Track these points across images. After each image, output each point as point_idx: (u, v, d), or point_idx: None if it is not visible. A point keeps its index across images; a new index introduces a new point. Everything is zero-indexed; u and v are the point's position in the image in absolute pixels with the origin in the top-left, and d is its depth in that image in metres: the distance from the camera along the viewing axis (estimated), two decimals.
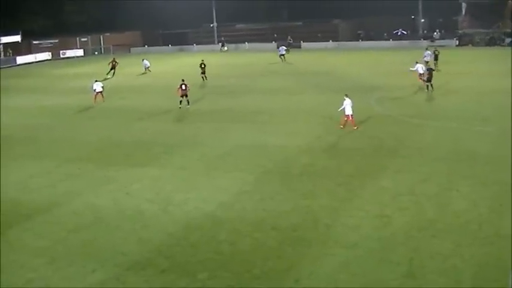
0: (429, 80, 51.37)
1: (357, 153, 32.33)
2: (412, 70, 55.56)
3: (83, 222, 23.53)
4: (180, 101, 48.36)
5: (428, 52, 69.83)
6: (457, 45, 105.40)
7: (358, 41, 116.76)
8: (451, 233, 20.85)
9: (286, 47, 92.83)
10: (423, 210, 23.29)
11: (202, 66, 66.18)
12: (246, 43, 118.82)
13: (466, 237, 20.49)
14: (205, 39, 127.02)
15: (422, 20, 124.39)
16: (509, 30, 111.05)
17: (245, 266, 18.91)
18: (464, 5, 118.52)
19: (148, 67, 77.61)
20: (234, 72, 75.19)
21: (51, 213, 24.72)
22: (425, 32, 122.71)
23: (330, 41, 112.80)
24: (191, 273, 18.60)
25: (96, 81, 54.25)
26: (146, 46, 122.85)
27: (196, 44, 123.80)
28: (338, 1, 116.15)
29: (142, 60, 78.71)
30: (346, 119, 38.14)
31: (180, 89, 48.53)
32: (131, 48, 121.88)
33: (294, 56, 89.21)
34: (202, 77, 65.02)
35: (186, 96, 48.57)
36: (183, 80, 48.71)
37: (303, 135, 36.99)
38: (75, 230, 22.75)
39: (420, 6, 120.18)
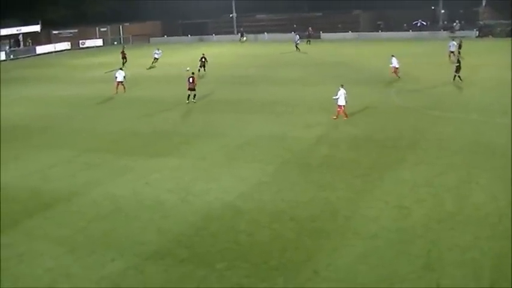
0: (457, 71, 51.15)
1: (375, 145, 32.29)
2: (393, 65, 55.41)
3: (102, 212, 23.66)
4: (188, 96, 46.97)
5: (453, 43, 69.62)
6: (477, 37, 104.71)
7: (378, 31, 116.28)
8: (470, 226, 20.80)
9: (305, 37, 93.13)
10: (442, 202, 23.23)
11: (203, 60, 65.41)
12: (266, 33, 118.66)
13: (485, 230, 20.43)
14: (224, 29, 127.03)
15: (443, 11, 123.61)
16: None
17: (263, 257, 18.95)
18: None
19: (156, 58, 75.80)
20: (253, 62, 75.11)
21: (71, 203, 24.87)
22: (445, 23, 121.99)
23: (350, 31, 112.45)
24: (210, 263, 18.67)
25: (120, 69, 54.36)
26: (166, 36, 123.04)
27: (215, 34, 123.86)
28: None
29: (157, 49, 77.32)
30: (338, 109, 38.25)
31: (187, 82, 46.87)
32: (151, 38, 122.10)
33: (313, 47, 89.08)
34: (199, 70, 63.79)
35: (193, 90, 46.66)
36: (192, 73, 47.76)
37: (321, 126, 36.96)
38: (95, 219, 22.88)
39: None
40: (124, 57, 73.57)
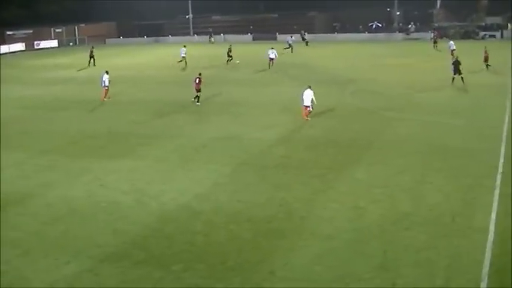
0: (455, 72, 51.22)
1: (331, 146, 32.46)
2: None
3: (57, 214, 23.36)
4: (195, 97, 46.05)
5: (452, 42, 70.82)
6: (431, 38, 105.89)
7: (333, 33, 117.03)
8: (424, 226, 21.00)
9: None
10: (397, 202, 23.43)
11: (229, 53, 70.15)
12: (222, 35, 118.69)
13: (439, 229, 20.65)
14: (180, 30, 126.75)
15: (398, 13, 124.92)
16: (483, 24, 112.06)
17: (219, 258, 18.90)
18: None
19: (184, 56, 75.50)
20: (210, 63, 75.00)
21: (25, 205, 24.51)
22: (400, 24, 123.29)
23: (306, 33, 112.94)
24: (166, 265, 18.55)
25: (106, 72, 49.91)
26: (121, 37, 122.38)
27: (171, 35, 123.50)
28: None
29: (184, 46, 76.26)
30: (305, 109, 38.52)
31: (193, 83, 46.15)
32: (106, 40, 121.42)
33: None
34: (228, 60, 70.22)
35: (199, 91, 45.83)
36: (199, 74, 46.76)
37: (278, 127, 37.07)
38: (49, 221, 22.59)
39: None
40: (92, 57, 73.77)
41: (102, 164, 30.10)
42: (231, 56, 72.33)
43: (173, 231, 21.36)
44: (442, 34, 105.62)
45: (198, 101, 45.82)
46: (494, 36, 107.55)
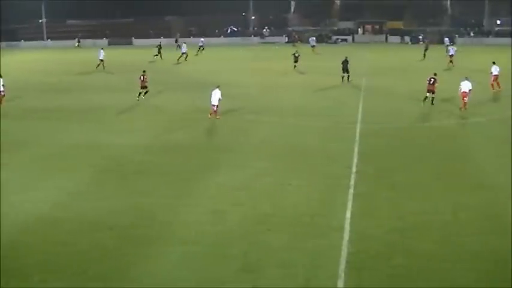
0: (344, 71, 54.50)
1: (193, 150, 32.66)
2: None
3: None
4: (140, 94, 48.52)
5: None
6: (286, 42, 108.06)
7: (189, 37, 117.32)
8: (285, 226, 21.49)
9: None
10: (258, 204, 23.83)
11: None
12: (76, 40, 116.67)
13: (299, 229, 21.17)
14: (34, 35, 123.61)
15: (253, 17, 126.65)
16: (336, 28, 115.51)
17: (81, 267, 18.59)
18: (293, 3, 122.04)
19: (184, 52, 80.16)
20: (66, 69, 73.65)
21: None
22: (255, 29, 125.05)
23: (162, 37, 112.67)
24: (26, 276, 18.06)
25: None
26: None
27: (24, 40, 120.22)
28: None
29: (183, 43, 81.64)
30: (213, 109, 39.64)
31: (139, 80, 48.95)
32: None
33: (123, 53, 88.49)
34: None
35: (145, 87, 48.54)
36: (143, 71, 49.21)
37: (139, 133, 36.91)
38: None
39: (251, 4, 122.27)
40: None
41: None
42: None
43: (33, 241, 20.83)
44: (297, 38, 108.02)
45: (144, 95, 48.53)
46: (346, 40, 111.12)
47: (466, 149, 32.35)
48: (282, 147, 32.68)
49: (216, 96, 39.75)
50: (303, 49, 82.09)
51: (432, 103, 42.86)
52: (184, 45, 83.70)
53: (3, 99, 47.80)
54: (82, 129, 38.40)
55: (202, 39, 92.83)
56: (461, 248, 19.50)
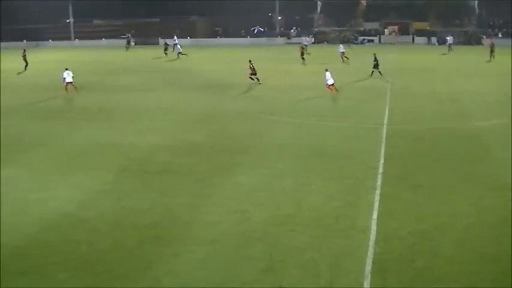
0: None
1: (213, 150, 32.51)
2: None
3: None
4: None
5: (341, 46, 73.03)
6: (312, 43, 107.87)
7: (215, 37, 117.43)
8: (307, 227, 21.26)
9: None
10: (280, 205, 23.63)
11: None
12: (104, 39, 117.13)
13: (323, 230, 20.97)
14: (61, 34, 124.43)
15: (280, 18, 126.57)
16: (362, 29, 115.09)
17: (104, 266, 18.57)
18: (319, 3, 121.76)
19: (180, 51, 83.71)
20: (91, 69, 73.93)
21: None
22: (282, 29, 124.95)
23: (188, 37, 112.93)
24: (49, 275, 18.06)
25: (66, 69, 53.42)
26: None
27: (52, 40, 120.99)
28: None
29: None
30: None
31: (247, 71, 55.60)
32: None
33: (150, 53, 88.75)
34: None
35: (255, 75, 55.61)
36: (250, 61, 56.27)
37: (160, 132, 36.85)
38: None
39: (277, 4, 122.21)
40: (25, 61, 73.21)
41: None
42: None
43: (56, 240, 20.83)
44: (323, 38, 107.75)
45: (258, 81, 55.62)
46: (372, 41, 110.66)
47: (491, 151, 31.91)
48: (303, 148, 32.44)
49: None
50: (326, 50, 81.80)
51: None
52: (178, 46, 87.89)
53: (68, 87, 52.56)
54: (103, 129, 38.47)
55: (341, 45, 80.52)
56: (483, 250, 19.17)
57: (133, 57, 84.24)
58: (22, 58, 73.84)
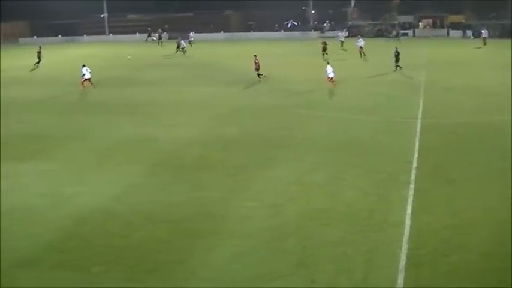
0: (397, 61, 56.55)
1: (247, 144, 32.57)
2: None
3: None
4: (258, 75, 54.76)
5: (360, 39, 73.16)
6: (346, 37, 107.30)
7: (249, 31, 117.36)
8: (341, 222, 21.25)
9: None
10: (313, 199, 23.64)
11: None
12: (138, 34, 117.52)
13: (356, 225, 20.94)
14: (95, 29, 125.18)
15: (313, 12, 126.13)
16: (396, 22, 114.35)
17: (138, 259, 18.72)
18: None
19: (183, 47, 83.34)
20: (124, 63, 74.33)
21: None
22: (315, 23, 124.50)
23: (222, 31, 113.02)
24: (84, 268, 18.29)
25: (83, 66, 54.10)
26: (35, 37, 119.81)
27: (86, 35, 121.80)
28: None
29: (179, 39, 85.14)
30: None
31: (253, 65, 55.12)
32: (19, 39, 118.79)
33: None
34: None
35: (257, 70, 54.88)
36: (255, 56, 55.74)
37: (193, 127, 36.96)
38: None
39: None
40: (39, 57, 72.87)
41: (13, 167, 29.19)
42: None
43: (90, 233, 21.06)
44: (356, 32, 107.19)
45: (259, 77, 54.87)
46: (406, 34, 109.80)
47: None
48: (336, 142, 32.37)
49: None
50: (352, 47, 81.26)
51: None
52: (182, 41, 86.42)
53: (85, 83, 53.05)
54: (136, 123, 38.68)
55: (361, 39, 78.68)
56: None
57: (166, 52, 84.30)
58: (36, 55, 73.14)
